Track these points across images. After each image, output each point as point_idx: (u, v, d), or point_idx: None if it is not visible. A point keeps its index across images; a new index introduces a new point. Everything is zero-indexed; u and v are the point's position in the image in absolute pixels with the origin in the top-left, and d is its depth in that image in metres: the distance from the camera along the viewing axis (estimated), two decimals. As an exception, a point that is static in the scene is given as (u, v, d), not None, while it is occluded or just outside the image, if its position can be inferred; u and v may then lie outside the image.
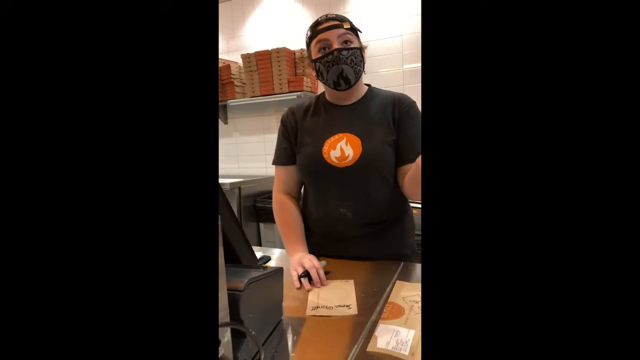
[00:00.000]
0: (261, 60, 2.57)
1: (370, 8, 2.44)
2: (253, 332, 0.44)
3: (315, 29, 0.93)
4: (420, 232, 1.06)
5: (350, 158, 0.92)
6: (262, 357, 0.45)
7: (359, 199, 0.94)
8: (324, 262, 0.86)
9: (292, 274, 0.84)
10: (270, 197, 1.09)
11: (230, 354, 0.48)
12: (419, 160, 0.75)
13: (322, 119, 0.99)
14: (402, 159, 0.94)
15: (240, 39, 2.97)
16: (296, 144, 1.00)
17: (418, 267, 0.88)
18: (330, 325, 0.63)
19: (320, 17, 0.94)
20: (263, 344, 0.57)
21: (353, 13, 2.48)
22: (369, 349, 0.54)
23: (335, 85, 0.93)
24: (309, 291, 0.77)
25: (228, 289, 0.49)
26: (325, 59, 0.91)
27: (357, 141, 0.93)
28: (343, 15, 0.96)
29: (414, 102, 0.97)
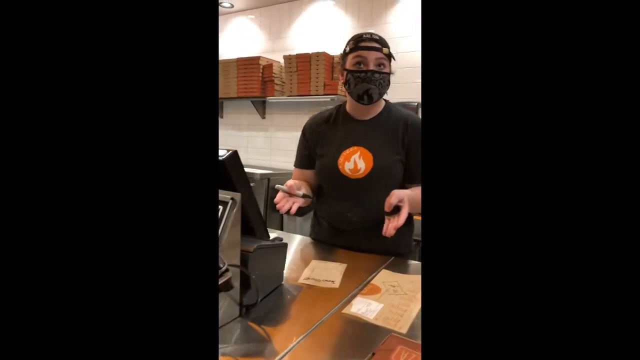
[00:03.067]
0: (301, 62, 2.75)
1: (410, 19, 2.55)
2: (253, 276, 0.60)
3: (358, 44, 1.03)
4: (418, 236, 1.17)
5: (362, 171, 1.06)
6: (259, 300, 0.62)
7: (365, 207, 1.07)
8: (300, 192, 0.96)
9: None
10: None
11: (237, 298, 0.65)
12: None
13: (340, 131, 1.12)
14: (411, 179, 1.07)
15: (285, 40, 3.17)
16: (315, 152, 1.15)
17: (406, 262, 1.01)
18: (319, 293, 0.79)
19: (365, 34, 1.04)
20: (264, 298, 0.73)
21: (393, 24, 2.60)
22: (344, 311, 0.70)
23: (359, 99, 1.05)
24: (278, 210, 0.91)
25: (241, 251, 0.66)
26: (358, 74, 1.02)
27: (370, 156, 1.06)
28: (384, 38, 1.05)
29: None
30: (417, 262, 1.02)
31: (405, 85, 2.55)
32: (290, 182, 0.97)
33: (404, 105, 2.47)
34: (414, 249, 1.23)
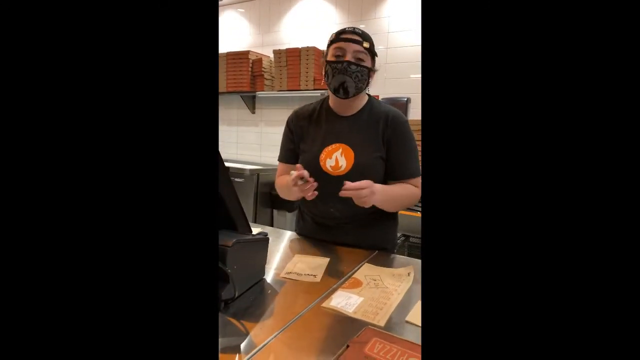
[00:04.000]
0: (291, 57, 2.73)
1: (400, 15, 2.54)
2: (230, 271, 0.60)
3: (338, 36, 1.04)
4: (404, 231, 1.18)
5: (343, 168, 1.05)
6: (236, 294, 0.62)
7: (348, 204, 1.05)
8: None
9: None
10: None
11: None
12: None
13: (323, 127, 1.12)
14: (392, 176, 1.06)
15: (275, 35, 3.14)
16: (298, 146, 1.15)
17: (390, 256, 1.02)
18: (301, 288, 0.79)
19: (348, 28, 1.05)
20: (244, 293, 0.73)
21: (383, 18, 2.59)
22: (323, 305, 0.70)
23: (335, 92, 1.04)
24: (300, 195, 0.93)
25: (220, 245, 0.66)
26: (335, 65, 1.02)
27: (351, 153, 1.05)
28: (368, 33, 1.05)
29: (405, 122, 1.08)
30: (400, 256, 1.02)
31: (395, 80, 2.55)
32: (300, 171, 0.93)
33: (393, 100, 2.47)
34: (399, 244, 1.23)
